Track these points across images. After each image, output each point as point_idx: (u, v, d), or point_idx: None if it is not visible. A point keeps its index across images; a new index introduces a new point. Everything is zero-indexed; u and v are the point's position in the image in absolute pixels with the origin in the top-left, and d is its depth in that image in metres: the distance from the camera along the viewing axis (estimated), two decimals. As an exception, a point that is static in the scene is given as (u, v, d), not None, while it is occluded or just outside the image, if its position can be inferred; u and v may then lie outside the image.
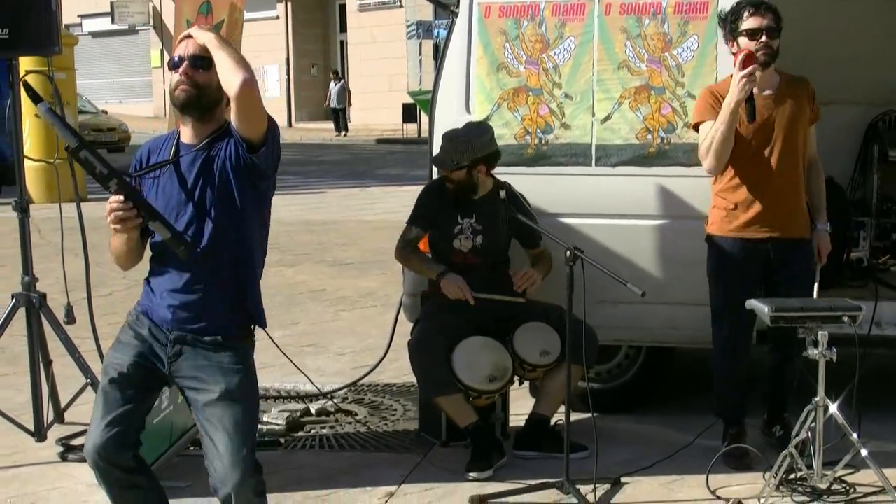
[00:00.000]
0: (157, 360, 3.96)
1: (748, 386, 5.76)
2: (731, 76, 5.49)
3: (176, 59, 3.93)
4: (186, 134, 3.99)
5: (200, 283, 3.90)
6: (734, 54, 5.42)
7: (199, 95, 3.90)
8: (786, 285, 5.53)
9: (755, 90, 5.37)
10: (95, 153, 3.73)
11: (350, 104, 37.39)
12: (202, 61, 3.90)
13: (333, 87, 36.72)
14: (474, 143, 5.73)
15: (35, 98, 3.73)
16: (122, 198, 3.76)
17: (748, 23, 5.42)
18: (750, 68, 5.28)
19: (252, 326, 4.04)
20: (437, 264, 5.83)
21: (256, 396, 4.05)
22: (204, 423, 3.86)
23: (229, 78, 3.76)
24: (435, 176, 6.07)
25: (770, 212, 5.51)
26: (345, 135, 35.93)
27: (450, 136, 5.79)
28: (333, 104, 36.69)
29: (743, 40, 5.43)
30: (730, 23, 5.49)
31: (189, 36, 3.97)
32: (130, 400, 3.93)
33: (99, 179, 3.75)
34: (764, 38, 5.41)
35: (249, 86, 3.76)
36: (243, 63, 3.78)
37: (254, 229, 3.97)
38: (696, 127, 5.61)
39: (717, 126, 5.39)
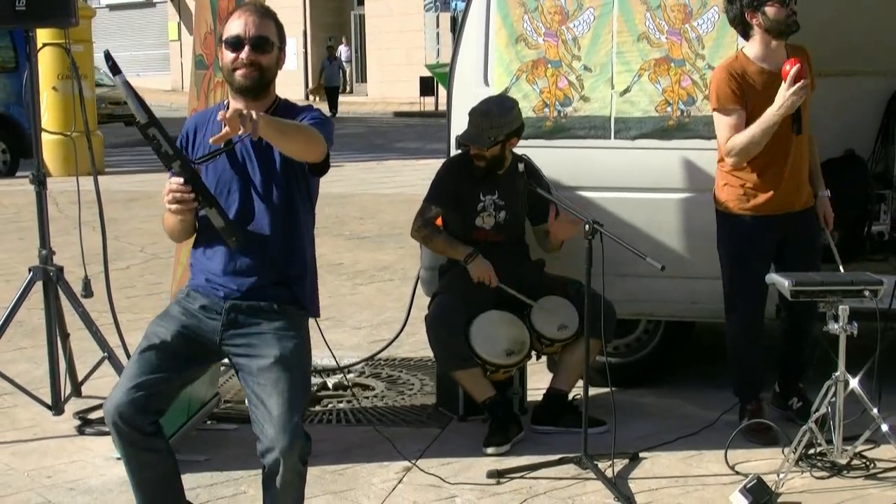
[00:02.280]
0: (206, 333, 3.94)
1: (764, 360, 5.73)
2: (742, 50, 5.46)
3: (233, 39, 3.88)
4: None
5: (251, 259, 3.90)
6: (788, 60, 5.28)
7: (261, 77, 3.89)
8: (794, 255, 5.53)
9: (762, 66, 5.34)
10: (164, 132, 3.69)
11: (345, 80, 35.00)
12: (265, 42, 3.89)
13: (328, 65, 33.80)
14: (508, 116, 5.68)
15: (115, 69, 3.70)
16: (182, 180, 3.73)
17: None
18: (802, 82, 5.17)
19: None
20: (464, 245, 5.76)
21: (309, 365, 4.05)
22: (255, 389, 3.82)
23: (310, 155, 3.80)
24: (454, 151, 6.02)
25: (786, 190, 5.48)
26: (334, 114, 31.65)
27: (483, 112, 5.68)
28: (327, 83, 33.71)
29: (771, 9, 5.28)
30: None
31: (243, 14, 3.93)
32: (165, 369, 3.89)
33: (163, 158, 3.72)
34: (790, 5, 5.33)
35: (326, 151, 3.83)
36: (313, 135, 3.77)
37: (302, 209, 3.98)
38: (714, 110, 5.50)
39: (754, 133, 5.29)
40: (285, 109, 3.98)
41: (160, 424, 3.97)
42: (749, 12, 5.37)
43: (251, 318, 3.92)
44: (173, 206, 3.77)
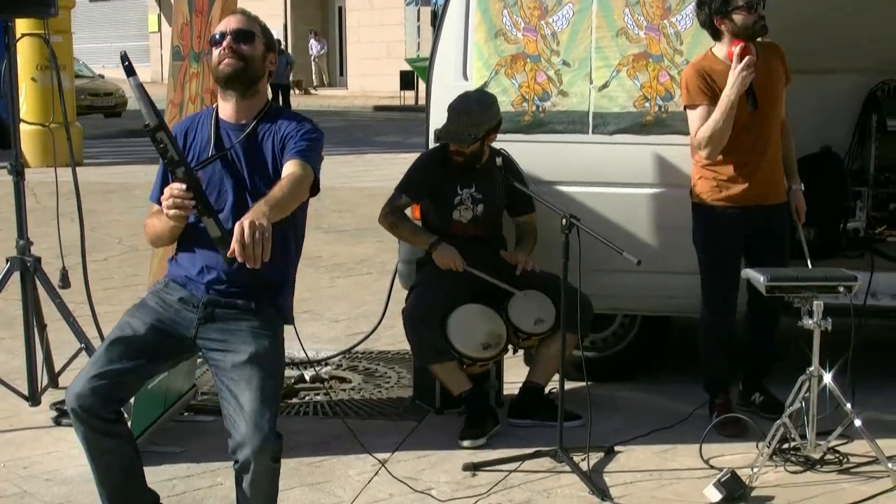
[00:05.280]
0: (181, 327, 3.95)
1: (733, 357, 5.77)
2: (711, 50, 5.52)
3: (217, 35, 3.96)
4: (227, 111, 4.00)
5: (238, 266, 3.88)
6: (733, 41, 5.37)
7: (246, 67, 3.93)
8: (763, 250, 5.59)
9: (730, 66, 5.37)
10: (171, 137, 3.69)
11: (291, 79, 33.93)
12: (245, 35, 3.95)
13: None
14: (488, 113, 5.68)
15: (130, 71, 3.70)
16: (184, 186, 3.69)
17: None
18: (748, 59, 5.26)
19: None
20: (429, 234, 5.79)
21: (283, 366, 4.07)
22: (229, 385, 3.82)
23: (304, 199, 3.85)
24: (432, 145, 6.02)
25: (759, 183, 5.53)
26: None
27: (463, 110, 5.67)
28: (275, 80, 30.70)
29: (739, 16, 5.37)
30: (721, 1, 5.42)
31: (228, 17, 4.03)
32: (131, 359, 3.88)
33: (168, 163, 3.70)
34: (758, 10, 5.39)
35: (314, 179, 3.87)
36: (303, 183, 3.80)
37: (297, 211, 3.95)
38: (685, 107, 5.57)
39: (716, 118, 5.35)
40: (276, 114, 4.01)
41: (121, 412, 3.97)
42: (717, 19, 5.45)
43: (228, 314, 3.93)
44: (171, 212, 3.71)
